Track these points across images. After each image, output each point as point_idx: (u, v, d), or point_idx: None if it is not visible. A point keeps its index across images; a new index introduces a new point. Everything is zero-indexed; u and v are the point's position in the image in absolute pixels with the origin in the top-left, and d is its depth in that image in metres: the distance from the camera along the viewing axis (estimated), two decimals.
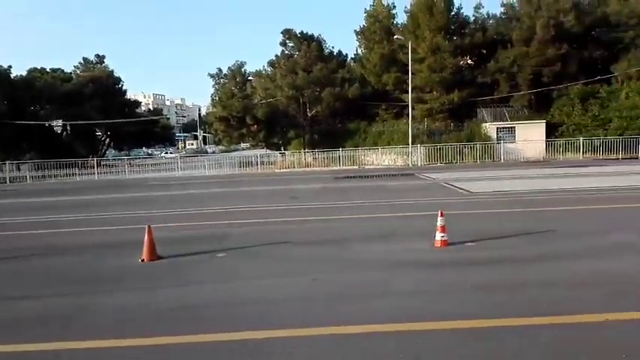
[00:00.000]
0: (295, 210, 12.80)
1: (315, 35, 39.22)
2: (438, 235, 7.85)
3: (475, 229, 8.96)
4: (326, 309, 5.22)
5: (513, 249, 7.55)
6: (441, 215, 7.84)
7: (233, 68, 41.54)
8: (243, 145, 63.10)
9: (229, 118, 37.03)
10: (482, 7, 38.05)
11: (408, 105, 31.66)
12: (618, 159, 26.62)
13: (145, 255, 7.68)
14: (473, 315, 4.77)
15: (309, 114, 37.29)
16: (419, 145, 29.63)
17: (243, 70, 41.64)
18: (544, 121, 30.73)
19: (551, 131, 30.68)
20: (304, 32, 39.01)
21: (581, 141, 28.39)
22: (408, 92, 31.47)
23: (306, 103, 36.91)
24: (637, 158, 26.45)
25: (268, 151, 38.97)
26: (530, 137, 29.64)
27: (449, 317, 4.73)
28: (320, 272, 6.62)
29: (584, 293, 5.38)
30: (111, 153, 54.53)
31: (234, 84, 41.00)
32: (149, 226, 7.80)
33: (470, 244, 7.90)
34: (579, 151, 28.39)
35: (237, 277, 6.66)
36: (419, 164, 28.77)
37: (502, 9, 38.62)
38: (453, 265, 6.74)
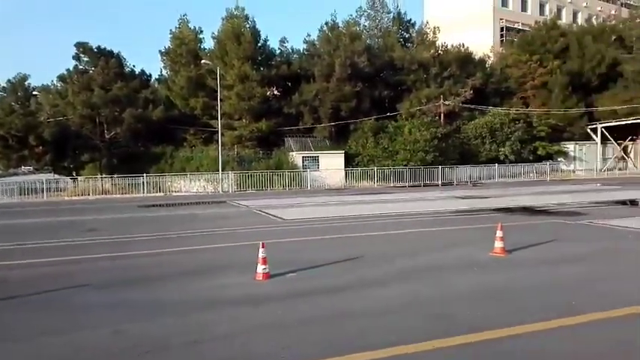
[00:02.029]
0: (93, 245, 11.14)
1: (115, 51, 36.38)
2: (260, 268, 7.44)
3: (294, 259, 8.80)
4: None
5: (334, 276, 7.54)
6: (263, 247, 7.47)
7: (14, 81, 35.94)
8: (24, 168, 55.05)
9: (7, 138, 31.72)
10: (287, 41, 40.02)
11: (217, 131, 31.16)
12: (405, 186, 29.99)
13: None
14: (305, 355, 4.41)
15: (107, 136, 34.04)
16: (229, 172, 29.24)
17: (26, 83, 36.32)
18: (343, 151, 33.15)
19: (349, 161, 33.25)
20: (102, 47, 35.83)
21: (375, 170, 31.38)
22: (217, 118, 31.01)
23: (103, 123, 33.66)
24: (421, 186, 30.16)
25: (57, 176, 34.29)
26: (332, 166, 31.66)
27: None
28: (125, 321, 5.62)
29: (406, 319, 5.48)
30: None
31: (14, 99, 35.40)
32: None
33: (292, 274, 7.67)
34: (373, 179, 31.29)
35: (13, 338, 5.25)
36: (230, 191, 28.34)
37: (305, 45, 41.18)
38: (278, 300, 6.36)
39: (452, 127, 37.02)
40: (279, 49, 39.12)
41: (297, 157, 32.22)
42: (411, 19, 49.40)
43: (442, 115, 36.98)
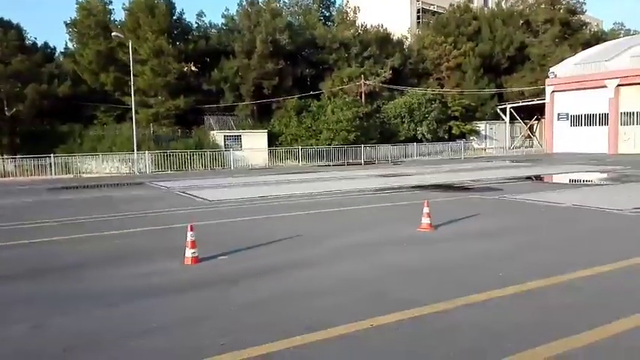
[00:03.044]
0: None
1: (14, 22, 33.15)
2: (189, 252, 7.07)
3: (224, 241, 8.48)
4: None
5: (267, 258, 7.33)
6: (191, 229, 7.09)
7: None
8: None
9: None
10: (205, 15, 38.63)
11: (131, 108, 29.46)
12: (329, 165, 30.21)
13: None
14: (245, 342, 4.21)
15: (7, 113, 31.09)
16: (146, 152, 27.84)
17: None
18: (266, 130, 32.74)
19: (272, 140, 32.90)
20: None
21: (299, 149, 31.30)
22: (130, 95, 29.29)
23: (3, 100, 30.68)
24: (344, 165, 30.52)
25: None
26: (255, 145, 31.17)
27: (212, 350, 4.06)
28: (44, 315, 5.09)
29: (343, 299, 5.42)
30: None
31: None
32: None
33: (223, 257, 7.37)
34: (298, 159, 31.21)
35: None
36: (147, 172, 27.03)
37: (223, 20, 39.87)
38: (211, 285, 6.07)
39: (373, 106, 37.71)
40: (196, 23, 37.72)
41: (218, 136, 31.35)
42: None
43: (363, 94, 37.54)
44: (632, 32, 59.42)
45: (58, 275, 6.77)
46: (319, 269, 6.74)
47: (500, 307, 5.07)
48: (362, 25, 43.23)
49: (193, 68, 37.18)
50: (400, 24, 51.25)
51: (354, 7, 43.99)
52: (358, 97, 37.26)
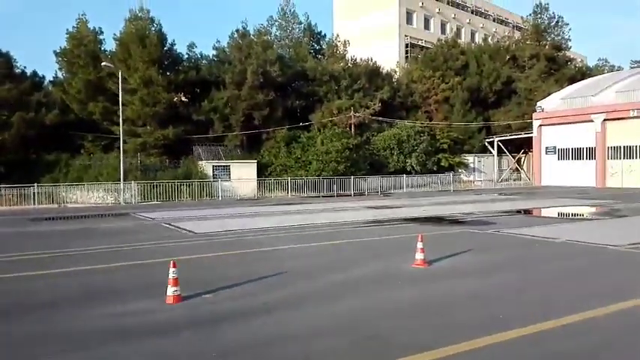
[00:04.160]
0: None
1: (3, 51, 32.95)
2: (170, 290, 6.68)
3: (209, 277, 8.10)
4: None
5: (255, 296, 6.95)
6: (173, 266, 6.72)
7: None
8: None
9: None
10: (196, 46, 38.70)
11: (119, 138, 29.11)
12: (319, 197, 29.92)
13: None
14: None
15: None
16: (132, 182, 27.36)
17: None
18: (255, 161, 32.47)
19: (261, 171, 32.63)
20: None
21: (288, 180, 31.03)
22: (118, 124, 28.98)
23: None
24: (334, 196, 30.22)
25: None
26: (244, 176, 30.83)
27: None
28: (17, 358, 4.67)
29: (337, 343, 5.06)
30: None
31: None
32: None
33: (207, 296, 6.98)
34: (287, 190, 30.91)
35: None
36: (133, 202, 26.50)
37: (214, 52, 40.08)
38: (194, 327, 5.67)
39: (362, 138, 37.78)
40: (187, 54, 37.74)
41: (207, 166, 31.01)
42: (321, 31, 50.25)
43: (353, 126, 37.63)
44: (616, 68, 60.82)
45: (31, 314, 6.33)
46: (311, 309, 6.38)
47: (505, 352, 4.75)
48: (352, 59, 43.73)
49: (183, 98, 37.11)
50: (389, 58, 51.99)
51: (344, 40, 44.56)
52: (348, 129, 37.33)
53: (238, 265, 9.30)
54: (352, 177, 32.46)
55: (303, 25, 49.85)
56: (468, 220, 16.55)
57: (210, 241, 12.50)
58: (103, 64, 30.23)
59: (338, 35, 46.54)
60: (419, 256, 8.88)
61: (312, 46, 48.70)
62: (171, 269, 6.68)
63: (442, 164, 41.38)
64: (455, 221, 16.29)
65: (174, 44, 35.80)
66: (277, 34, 49.68)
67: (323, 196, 30.11)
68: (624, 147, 36.76)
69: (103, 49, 35.10)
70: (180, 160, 32.39)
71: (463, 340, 5.00)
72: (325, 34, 50.69)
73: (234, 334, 5.40)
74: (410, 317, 5.98)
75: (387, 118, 40.52)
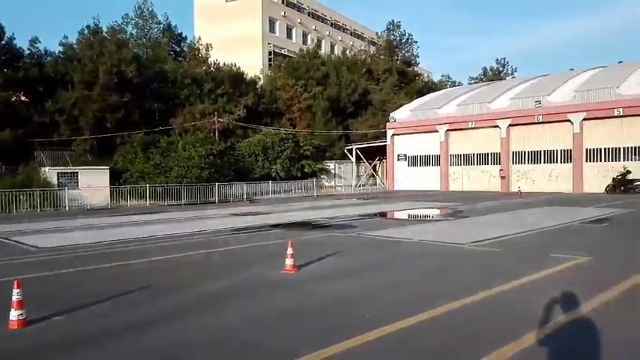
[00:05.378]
0: None
1: None
2: (14, 314, 5.80)
3: (60, 297, 7.22)
4: None
5: (112, 315, 6.32)
6: (17, 286, 5.85)
7: None
8: None
9: None
10: (39, 42, 34.73)
11: None
12: (181, 205, 28.66)
13: None
14: None
15: None
16: None
17: None
18: (108, 167, 30.09)
19: (116, 177, 30.36)
20: None
21: (147, 188, 29.24)
22: None
23: None
24: (197, 204, 29.17)
25: None
26: (94, 183, 28.34)
27: None
28: None
29: (213, 356, 4.79)
30: None
31: None
32: None
33: (57, 318, 6.18)
34: (145, 198, 29.12)
35: None
36: None
37: (61, 48, 36.58)
38: (40, 355, 4.96)
39: (227, 144, 37.22)
40: (28, 49, 33.91)
41: (51, 173, 27.88)
42: (182, 33, 48.68)
43: (217, 131, 36.90)
44: (457, 83, 67.94)
45: None
46: (179, 324, 5.96)
47: (377, 349, 4.90)
48: (215, 63, 42.93)
49: (23, 98, 33.18)
50: (253, 64, 52.06)
51: (207, 44, 43.60)
52: (211, 134, 36.49)
53: (93, 283, 8.43)
54: (216, 184, 31.70)
55: (162, 26, 47.78)
56: (333, 224, 17.09)
57: (57, 256, 11.19)
58: None
59: (200, 38, 45.38)
60: (289, 262, 8.88)
61: (173, 47, 46.89)
62: (15, 290, 5.80)
63: (306, 170, 42.42)
64: (320, 226, 16.71)
65: (14, 38, 32.03)
66: (134, 32, 46.92)
67: (185, 204, 28.95)
68: (464, 155, 41.11)
69: None
70: (20, 166, 28.82)
71: (337, 342, 5.05)
72: (186, 37, 49.21)
73: None
74: (283, 324, 5.90)
75: (252, 125, 40.47)
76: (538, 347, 4.92)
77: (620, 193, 31.06)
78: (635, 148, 32.92)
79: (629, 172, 31.98)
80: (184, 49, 46.93)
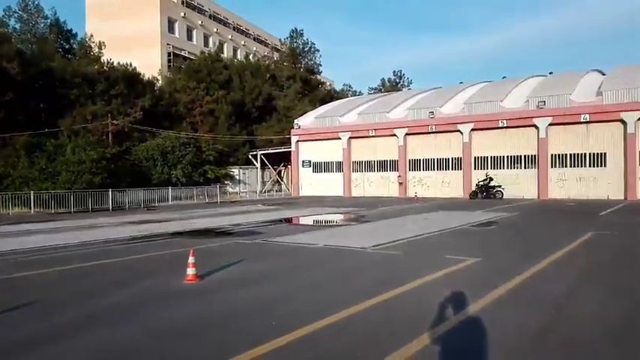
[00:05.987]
0: None
1: None
2: None
3: None
4: None
5: (12, 329, 5.64)
6: None
7: None
8: None
9: None
10: None
11: None
12: (70, 212, 26.59)
13: None
14: None
15: None
16: None
17: None
18: None
19: None
20: None
21: (31, 195, 26.76)
22: None
23: None
24: (89, 211, 27.22)
25: None
26: None
27: None
28: None
29: None
30: None
31: None
32: None
33: None
34: (29, 205, 26.65)
35: None
36: None
37: None
38: None
39: (122, 147, 35.26)
40: None
41: None
42: (72, 30, 45.67)
43: (110, 134, 34.84)
44: (358, 93, 70.20)
45: None
46: (69, 342, 5.45)
47: (285, 355, 4.82)
48: (108, 62, 40.55)
49: None
50: (150, 65, 49.90)
51: (99, 41, 41.10)
52: (105, 137, 34.36)
53: None
54: (110, 190, 29.79)
55: (49, 21, 44.33)
56: (237, 230, 16.76)
57: None
58: None
59: (92, 36, 42.66)
60: (190, 271, 8.53)
61: (61, 44, 43.68)
62: None
63: (208, 176, 41.37)
64: (224, 233, 16.31)
65: None
66: (17, 27, 43.05)
67: (75, 212, 26.90)
68: (365, 161, 42.48)
69: None
70: None
71: (243, 350, 4.90)
72: (77, 33, 46.13)
73: None
74: (186, 335, 5.62)
75: (150, 128, 38.69)
76: (432, 345, 5.13)
77: (482, 199, 33.62)
78: (517, 156, 36.03)
79: (491, 178, 34.70)
80: (74, 46, 43.89)
